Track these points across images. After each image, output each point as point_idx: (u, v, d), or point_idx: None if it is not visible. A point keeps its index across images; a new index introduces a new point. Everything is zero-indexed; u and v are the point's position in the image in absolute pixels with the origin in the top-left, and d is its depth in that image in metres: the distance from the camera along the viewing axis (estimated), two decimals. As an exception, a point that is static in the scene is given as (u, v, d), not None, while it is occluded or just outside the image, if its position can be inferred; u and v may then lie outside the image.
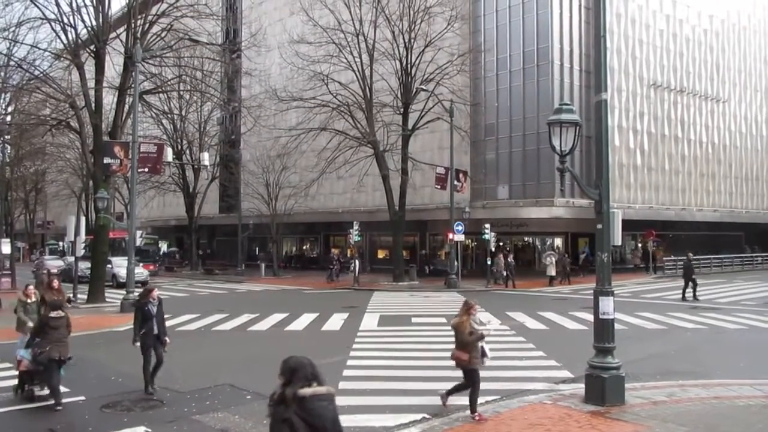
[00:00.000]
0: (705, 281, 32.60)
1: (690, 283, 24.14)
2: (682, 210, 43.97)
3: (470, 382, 8.51)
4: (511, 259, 31.86)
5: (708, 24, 47.33)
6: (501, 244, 37.93)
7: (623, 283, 30.56)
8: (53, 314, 9.72)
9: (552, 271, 31.18)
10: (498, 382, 10.62)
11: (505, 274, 30.85)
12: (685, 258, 25.68)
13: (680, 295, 24.24)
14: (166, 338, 10.52)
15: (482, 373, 11.28)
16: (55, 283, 12.74)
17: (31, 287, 12.15)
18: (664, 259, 39.25)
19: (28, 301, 11.85)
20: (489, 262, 32.10)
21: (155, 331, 10.24)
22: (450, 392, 8.88)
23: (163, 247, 57.21)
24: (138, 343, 10.24)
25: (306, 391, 3.64)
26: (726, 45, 48.84)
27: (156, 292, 10.59)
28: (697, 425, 7.88)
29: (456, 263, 31.94)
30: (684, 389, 9.67)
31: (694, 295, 24.00)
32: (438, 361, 12.42)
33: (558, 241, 41.19)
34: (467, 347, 8.53)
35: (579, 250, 38.54)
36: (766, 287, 28.95)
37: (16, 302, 11.92)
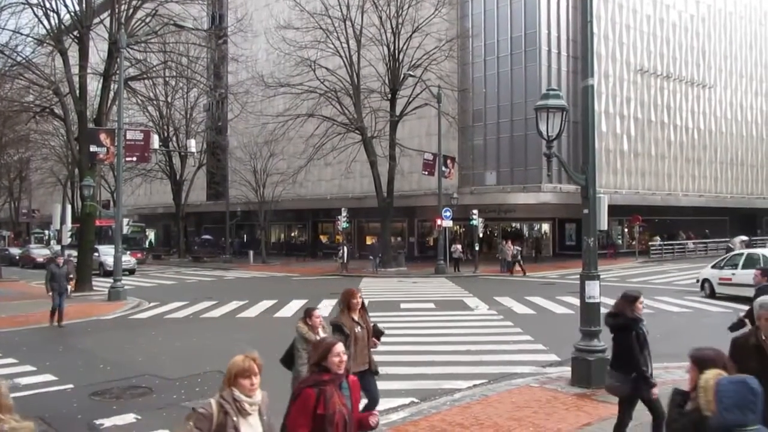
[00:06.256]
0: (691, 265, 32.97)
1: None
2: (668, 195, 44.32)
3: None
4: (515, 246, 31.48)
5: (694, 9, 47.46)
6: (510, 231, 38.07)
7: (609, 268, 30.84)
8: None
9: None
10: (485, 366, 10.74)
11: (510, 260, 30.37)
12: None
13: (665, 279, 24.58)
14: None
15: (470, 358, 11.46)
16: (358, 298, 6.84)
17: (318, 312, 6.98)
18: (650, 243, 39.66)
19: (317, 339, 6.18)
20: (477, 248, 32.30)
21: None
22: None
23: (151, 235, 56.84)
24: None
25: None
26: (712, 30, 49.03)
27: (643, 303, 6.30)
28: (680, 406, 8.01)
29: (445, 249, 32.06)
30: (668, 371, 9.80)
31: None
32: (427, 346, 12.53)
33: (545, 227, 41.47)
34: None
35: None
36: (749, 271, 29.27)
37: (296, 338, 6.79)
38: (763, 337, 4.32)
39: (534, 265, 34.37)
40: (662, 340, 13.06)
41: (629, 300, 6.15)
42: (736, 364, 4.45)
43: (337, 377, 3.89)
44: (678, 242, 41.79)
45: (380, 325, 6.96)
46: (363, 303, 6.86)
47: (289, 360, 6.56)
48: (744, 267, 18.07)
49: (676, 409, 3.48)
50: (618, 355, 6.12)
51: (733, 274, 18.76)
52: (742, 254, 20.15)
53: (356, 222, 42.57)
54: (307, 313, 6.84)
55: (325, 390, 3.77)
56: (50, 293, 16.19)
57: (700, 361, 3.45)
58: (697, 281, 21.31)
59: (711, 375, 3.26)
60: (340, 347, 3.93)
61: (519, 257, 30.49)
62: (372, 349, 6.88)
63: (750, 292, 8.98)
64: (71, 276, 18.45)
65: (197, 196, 52.58)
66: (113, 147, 22.83)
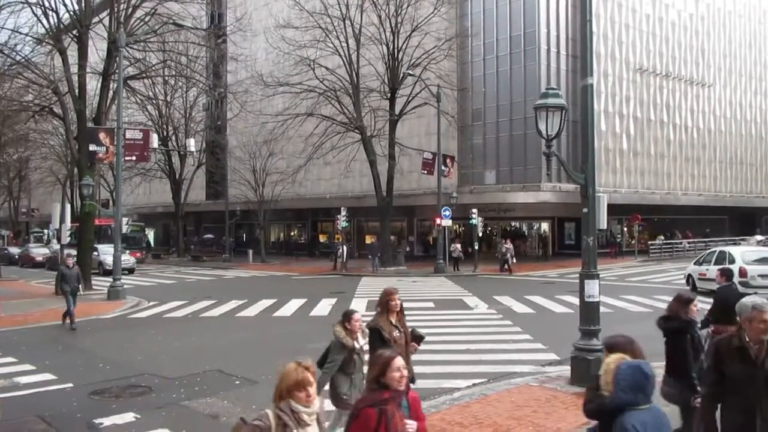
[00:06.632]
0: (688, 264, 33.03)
1: None
2: (667, 194, 44.32)
3: None
4: (510, 244, 31.18)
5: (694, 8, 47.45)
6: (510, 230, 37.80)
7: (609, 267, 30.85)
8: None
9: None
10: (485, 365, 10.74)
11: (508, 259, 29.96)
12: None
13: (664, 279, 24.75)
14: None
15: (470, 357, 11.46)
16: (396, 300, 6.30)
17: (358, 315, 6.19)
18: (649, 243, 39.68)
19: (356, 345, 6.07)
20: (477, 247, 32.29)
21: None
22: None
23: (150, 234, 56.79)
24: None
25: None
26: (711, 29, 49.02)
27: (697, 305, 6.10)
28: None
29: (444, 248, 32.01)
30: (667, 370, 9.82)
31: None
32: (426, 345, 12.50)
33: (545, 226, 41.48)
34: None
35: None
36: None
37: (332, 342, 6.12)
38: (747, 339, 4.19)
39: (535, 264, 34.39)
40: (659, 339, 13.04)
41: (683, 302, 5.93)
42: (718, 367, 4.32)
43: (397, 395, 3.54)
44: (674, 241, 41.78)
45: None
46: (401, 305, 6.26)
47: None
48: (716, 263, 18.94)
49: (592, 391, 3.65)
50: (672, 359, 5.89)
51: (707, 269, 19.75)
52: (715, 251, 21.03)
53: (355, 221, 42.56)
54: (346, 317, 6.12)
55: (386, 410, 3.43)
56: (59, 294, 16.06)
57: (610, 347, 3.69)
58: (684, 276, 22.42)
59: (613, 359, 3.43)
60: (399, 361, 3.57)
61: (508, 255, 30.00)
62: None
63: (719, 288, 9.20)
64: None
65: (196, 195, 52.59)
66: (112, 146, 22.81)
